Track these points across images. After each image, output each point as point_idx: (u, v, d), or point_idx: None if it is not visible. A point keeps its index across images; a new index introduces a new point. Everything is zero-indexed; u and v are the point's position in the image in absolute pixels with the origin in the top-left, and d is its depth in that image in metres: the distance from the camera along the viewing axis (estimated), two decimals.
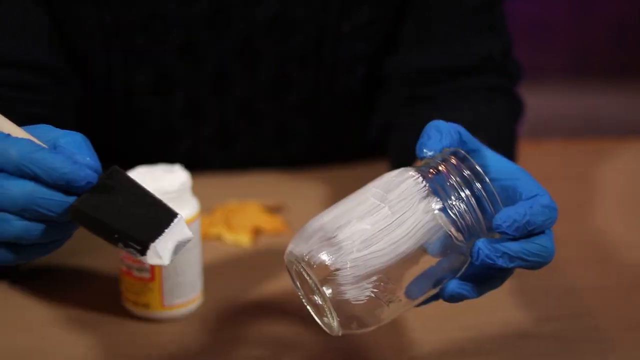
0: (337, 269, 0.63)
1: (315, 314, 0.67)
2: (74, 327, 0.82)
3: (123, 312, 0.84)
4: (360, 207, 0.64)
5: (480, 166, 0.65)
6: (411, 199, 0.64)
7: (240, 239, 0.95)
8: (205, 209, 0.96)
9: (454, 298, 0.67)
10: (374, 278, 0.63)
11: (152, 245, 0.64)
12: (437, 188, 0.64)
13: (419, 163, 0.67)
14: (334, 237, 0.63)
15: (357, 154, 1.14)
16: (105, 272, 0.89)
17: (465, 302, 0.86)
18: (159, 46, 1.00)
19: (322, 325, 0.66)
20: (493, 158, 0.69)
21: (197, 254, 0.83)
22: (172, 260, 0.64)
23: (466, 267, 0.66)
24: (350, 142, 1.14)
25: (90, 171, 0.62)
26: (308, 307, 0.67)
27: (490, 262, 0.65)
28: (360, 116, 1.10)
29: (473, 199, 0.64)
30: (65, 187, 0.61)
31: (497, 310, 0.85)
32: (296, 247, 0.64)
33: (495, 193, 0.65)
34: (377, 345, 0.80)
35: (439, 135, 0.66)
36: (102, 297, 0.86)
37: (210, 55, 1.01)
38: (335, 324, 0.65)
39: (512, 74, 1.04)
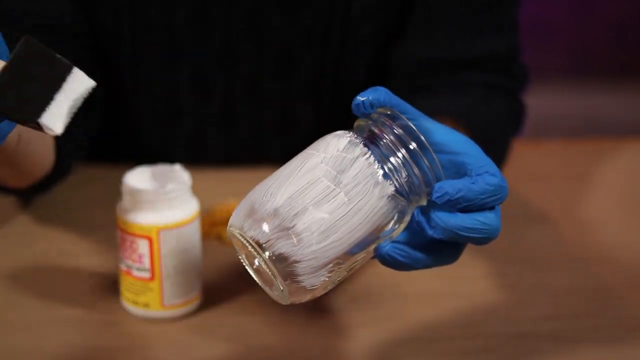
0: (297, 262, 0.63)
1: (259, 280, 0.67)
2: (74, 327, 0.82)
3: (123, 312, 0.84)
4: (314, 189, 0.63)
5: (411, 125, 0.64)
6: (365, 183, 0.63)
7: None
8: (205, 209, 0.96)
9: (386, 261, 0.66)
10: (330, 265, 0.64)
11: (40, 121, 0.63)
12: (379, 153, 0.64)
13: (357, 122, 0.67)
14: (292, 226, 0.63)
15: None
16: (104, 272, 0.89)
17: (465, 301, 0.87)
18: (168, 15, 1.00)
19: (268, 292, 0.66)
20: (440, 131, 0.67)
21: (197, 254, 0.83)
22: (65, 125, 0.63)
23: (401, 227, 0.65)
24: None
25: None
26: (250, 272, 0.67)
27: (426, 230, 0.65)
28: None
29: (410, 159, 0.64)
30: None
31: (496, 309, 0.85)
32: (250, 228, 0.63)
33: (431, 151, 0.64)
34: (375, 343, 0.80)
35: (374, 90, 0.66)
36: (102, 297, 0.86)
37: (218, 28, 1.02)
38: (285, 298, 0.65)
39: (517, 77, 1.04)
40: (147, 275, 0.81)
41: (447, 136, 0.67)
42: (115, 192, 0.82)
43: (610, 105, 2.53)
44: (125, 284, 0.83)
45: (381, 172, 0.64)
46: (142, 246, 0.80)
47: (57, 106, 0.63)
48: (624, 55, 2.60)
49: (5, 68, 0.63)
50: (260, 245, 0.63)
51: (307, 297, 0.65)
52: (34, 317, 0.84)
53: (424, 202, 0.66)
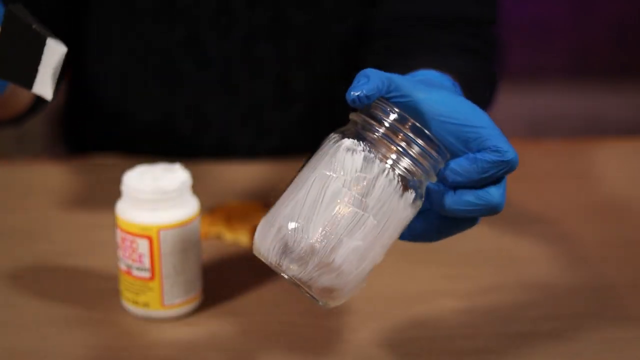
0: (340, 289, 0.65)
1: (290, 282, 0.67)
2: (74, 327, 0.82)
3: (123, 312, 0.84)
4: (343, 219, 0.64)
5: (398, 110, 0.65)
6: (390, 202, 0.65)
7: (240, 238, 0.95)
8: (205, 209, 0.96)
9: (414, 239, 0.69)
10: (366, 277, 0.66)
11: (32, 92, 0.69)
12: (394, 163, 0.65)
13: (352, 116, 0.67)
14: (331, 262, 0.64)
15: None
16: (104, 271, 0.89)
17: (464, 300, 0.87)
18: None
19: (309, 296, 0.67)
20: (440, 102, 0.67)
21: (197, 253, 0.83)
22: (53, 89, 0.69)
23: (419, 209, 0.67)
24: (345, 112, 1.15)
25: None
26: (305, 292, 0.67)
27: (430, 206, 0.67)
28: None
29: (421, 158, 0.65)
30: None
31: (496, 309, 0.85)
32: (288, 267, 0.65)
33: (423, 129, 0.65)
34: (375, 343, 0.80)
35: (366, 79, 0.65)
36: (102, 296, 0.86)
37: None
38: (322, 305, 0.67)
39: (491, 44, 1.04)
40: (147, 275, 0.81)
41: (450, 106, 0.67)
42: (115, 191, 0.82)
43: (610, 105, 2.53)
44: (125, 284, 0.83)
45: (401, 185, 0.65)
46: (142, 246, 0.80)
47: (42, 75, 0.69)
48: (624, 55, 2.60)
49: None
50: (302, 282, 0.65)
51: (344, 300, 0.67)
52: (34, 317, 0.84)
53: (433, 180, 0.67)
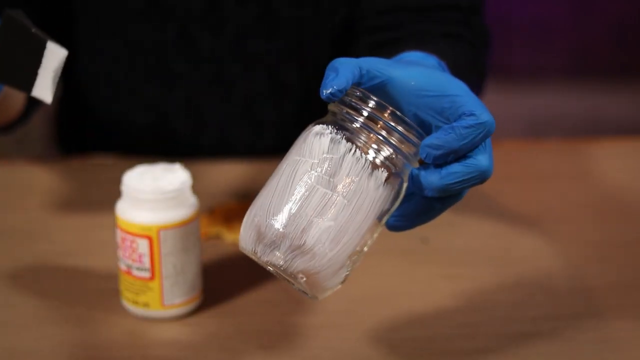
0: (316, 273, 0.65)
1: (281, 277, 0.67)
2: (74, 327, 0.82)
3: (123, 312, 0.84)
4: (312, 200, 0.64)
5: (376, 99, 0.65)
6: (359, 180, 0.65)
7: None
8: (205, 209, 0.96)
9: (395, 230, 0.68)
10: (348, 262, 0.66)
11: (32, 95, 0.71)
12: (362, 143, 0.65)
13: (330, 107, 0.67)
14: (302, 244, 0.64)
15: None
16: (104, 271, 0.89)
17: (464, 300, 0.87)
18: None
19: (298, 289, 0.67)
20: (415, 78, 0.67)
21: (196, 253, 0.83)
22: (52, 93, 0.71)
23: (404, 194, 0.67)
24: None
25: None
26: (270, 270, 0.67)
27: (417, 191, 0.66)
28: None
29: (391, 137, 0.65)
30: None
31: (496, 309, 0.85)
32: (263, 253, 0.65)
33: (403, 116, 0.65)
34: (375, 342, 0.80)
35: (335, 73, 0.65)
36: (102, 296, 0.86)
37: None
38: (312, 298, 0.67)
39: (479, 32, 1.04)
40: (147, 274, 0.81)
41: (424, 79, 0.66)
42: (115, 191, 0.82)
43: (610, 105, 2.52)
44: (125, 284, 0.83)
45: (369, 163, 0.65)
46: (142, 246, 0.80)
47: (42, 79, 0.70)
48: (624, 55, 2.59)
49: None
50: (278, 268, 0.65)
51: (332, 292, 0.67)
52: (34, 317, 0.84)
53: (416, 165, 0.67)
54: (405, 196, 0.67)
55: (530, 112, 2.49)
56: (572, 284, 0.90)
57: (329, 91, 0.65)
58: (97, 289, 0.87)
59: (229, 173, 1.08)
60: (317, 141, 0.65)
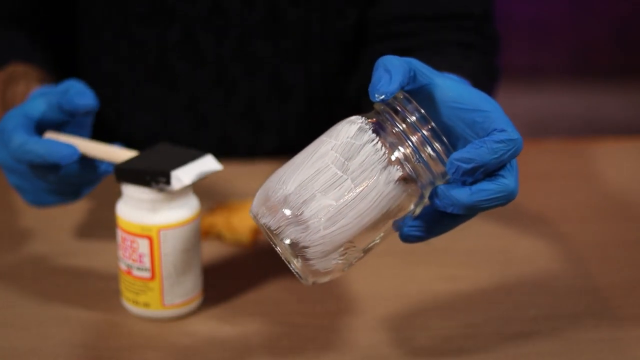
0: (306, 247, 0.65)
1: (285, 258, 0.68)
2: (74, 327, 0.82)
3: (123, 312, 0.84)
4: (322, 177, 0.65)
5: (423, 112, 0.65)
6: (372, 169, 0.65)
7: (240, 238, 0.95)
8: (206, 208, 0.96)
9: (409, 239, 0.69)
10: (341, 249, 0.66)
11: (173, 173, 0.77)
12: (389, 139, 0.66)
13: (376, 105, 0.67)
14: (300, 214, 0.65)
15: None
16: (104, 271, 0.89)
17: (464, 300, 0.87)
18: None
19: (293, 270, 0.68)
20: (453, 89, 0.67)
21: (197, 253, 0.83)
22: (193, 181, 0.78)
23: (420, 208, 0.68)
24: (342, 109, 1.15)
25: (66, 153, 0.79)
26: (277, 249, 0.68)
27: (443, 209, 0.66)
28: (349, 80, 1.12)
29: (422, 147, 0.65)
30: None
31: (495, 308, 0.86)
32: (263, 216, 0.66)
33: (441, 135, 0.65)
34: (375, 342, 0.80)
35: (388, 76, 0.65)
36: (102, 296, 0.86)
37: None
38: (303, 280, 0.68)
39: (490, 38, 1.04)
40: (147, 274, 0.81)
41: (462, 91, 0.67)
42: (115, 191, 0.82)
43: (610, 105, 2.53)
44: (126, 284, 0.83)
45: (387, 158, 0.65)
46: (143, 246, 0.80)
47: (186, 170, 0.78)
48: (624, 55, 2.60)
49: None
50: (271, 232, 0.66)
51: (324, 279, 0.68)
52: (34, 317, 0.84)
53: (441, 182, 0.67)
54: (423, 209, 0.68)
55: (530, 112, 2.49)
56: (572, 284, 0.90)
57: (381, 97, 0.65)
58: (97, 289, 0.87)
59: (229, 173, 1.08)
60: (347, 127, 0.66)
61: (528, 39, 2.53)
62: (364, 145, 0.65)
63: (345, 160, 0.65)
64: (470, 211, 0.66)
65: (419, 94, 0.67)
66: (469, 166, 0.64)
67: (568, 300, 0.87)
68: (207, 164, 0.80)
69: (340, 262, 0.66)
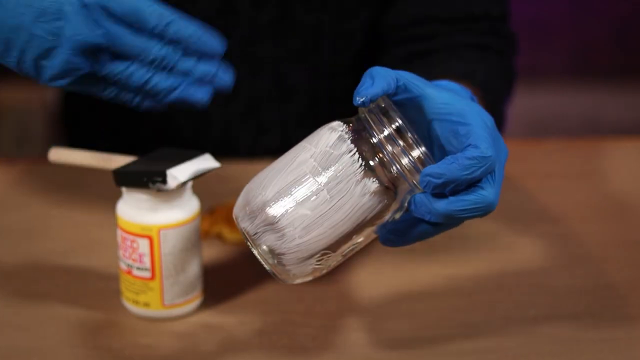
0: (282, 254, 0.67)
1: (261, 260, 0.69)
2: (74, 327, 0.82)
3: (123, 312, 0.84)
4: (299, 185, 0.66)
5: (403, 121, 0.66)
6: (348, 181, 0.66)
7: (240, 238, 0.95)
8: (206, 208, 0.96)
9: (386, 244, 0.70)
10: (317, 256, 0.67)
11: (169, 172, 0.77)
12: (367, 149, 0.67)
13: (359, 110, 0.68)
14: (276, 222, 0.66)
15: None
16: (104, 271, 0.89)
17: (464, 300, 0.87)
18: None
19: (269, 271, 0.70)
20: (442, 99, 0.68)
21: (197, 253, 0.83)
22: (188, 179, 0.77)
23: (400, 215, 0.69)
24: (345, 110, 1.15)
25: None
26: (254, 251, 0.69)
27: (420, 217, 0.67)
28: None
29: (399, 157, 0.66)
30: None
31: (495, 308, 0.85)
32: (242, 220, 0.68)
33: (421, 145, 0.66)
34: (375, 342, 0.80)
35: (371, 81, 0.67)
36: (102, 296, 0.86)
37: None
38: (280, 280, 0.70)
39: (507, 40, 1.04)
40: (147, 274, 0.81)
41: (451, 103, 0.68)
42: (115, 191, 0.82)
43: (610, 105, 2.52)
44: (126, 284, 0.83)
45: (363, 170, 0.66)
46: (143, 246, 0.80)
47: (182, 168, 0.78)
48: (624, 55, 2.59)
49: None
50: (250, 236, 0.68)
51: (300, 281, 0.69)
52: (34, 316, 0.84)
53: (420, 191, 0.67)
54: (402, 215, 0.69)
55: (530, 112, 2.49)
56: (572, 284, 0.90)
57: (362, 99, 0.66)
58: (98, 288, 0.87)
59: (229, 173, 1.08)
60: (327, 134, 0.68)
61: (528, 39, 2.53)
62: (341, 156, 0.66)
63: (323, 169, 0.66)
64: (448, 220, 0.67)
65: (410, 105, 0.68)
66: (440, 181, 0.65)
67: (568, 300, 0.87)
68: (205, 162, 0.80)
69: (317, 266, 0.68)
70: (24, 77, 0.76)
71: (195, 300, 0.84)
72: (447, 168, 0.65)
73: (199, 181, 0.81)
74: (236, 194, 1.03)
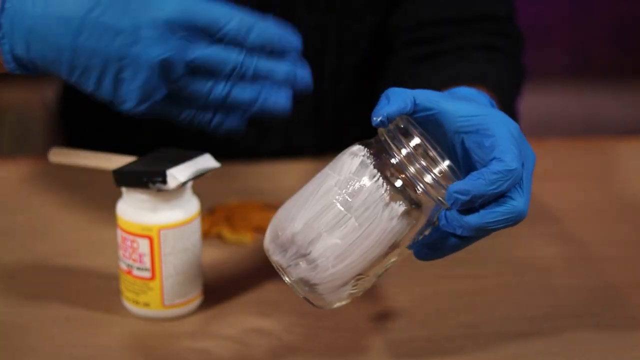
0: (316, 284, 0.68)
1: (295, 290, 0.70)
2: (74, 327, 0.82)
3: (123, 312, 0.84)
4: (326, 215, 0.67)
5: (424, 137, 0.66)
6: (374, 207, 0.66)
7: (241, 238, 0.95)
8: (206, 208, 0.96)
9: (421, 259, 0.71)
10: (352, 282, 0.68)
11: (169, 172, 0.77)
12: (390, 172, 0.67)
13: (379, 130, 0.68)
14: (308, 253, 0.67)
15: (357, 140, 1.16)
16: (104, 271, 0.89)
17: (464, 300, 0.87)
18: None
19: (304, 298, 0.70)
20: (460, 111, 0.68)
21: (197, 253, 0.83)
22: (188, 179, 0.78)
23: (429, 230, 0.69)
24: (351, 114, 1.14)
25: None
26: (286, 280, 0.70)
27: (452, 231, 0.68)
28: (365, 97, 1.12)
29: (423, 175, 0.66)
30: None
31: (496, 308, 0.85)
32: (274, 253, 0.69)
33: (445, 159, 0.66)
34: (375, 342, 0.80)
35: (387, 101, 0.67)
36: (102, 296, 0.86)
37: None
38: (316, 306, 0.70)
39: (515, 39, 1.04)
40: (147, 274, 0.81)
41: (470, 115, 0.68)
42: (115, 191, 0.82)
43: (610, 105, 2.52)
44: (126, 284, 0.83)
45: (389, 194, 0.66)
46: (143, 246, 0.80)
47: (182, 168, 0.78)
48: (624, 55, 2.59)
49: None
50: (283, 269, 0.68)
51: (338, 305, 0.70)
52: (34, 317, 0.84)
53: (446, 206, 0.68)
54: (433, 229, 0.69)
55: (530, 112, 2.49)
56: (572, 284, 0.90)
57: (379, 119, 0.67)
58: (98, 289, 0.87)
59: (230, 173, 1.08)
60: (349, 160, 0.68)
61: (528, 39, 2.53)
62: (365, 182, 0.67)
63: (349, 197, 0.67)
64: (480, 233, 0.68)
65: (430, 122, 0.68)
66: (467, 198, 0.65)
67: (568, 300, 0.87)
68: (205, 162, 0.80)
69: (353, 291, 0.69)
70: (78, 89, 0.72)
71: (195, 300, 0.84)
72: (473, 184, 0.65)
73: (199, 181, 0.81)
74: (236, 194, 1.03)
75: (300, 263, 0.67)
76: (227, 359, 0.79)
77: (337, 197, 0.67)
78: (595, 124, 2.47)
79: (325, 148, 1.12)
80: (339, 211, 0.67)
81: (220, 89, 0.69)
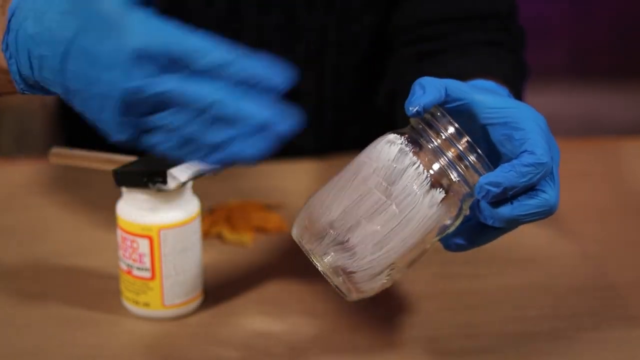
0: (353, 272, 0.67)
1: (327, 276, 0.69)
2: (74, 327, 0.82)
3: (123, 312, 0.84)
4: (365, 202, 0.66)
5: (458, 126, 0.67)
6: (415, 194, 0.66)
7: (241, 238, 0.95)
8: (206, 208, 0.96)
9: (452, 249, 0.71)
10: (385, 272, 0.67)
11: (169, 172, 0.77)
12: (428, 159, 0.67)
13: (411, 120, 0.69)
14: (346, 240, 0.66)
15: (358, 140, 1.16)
16: (104, 271, 0.89)
17: (464, 300, 0.87)
18: None
19: (335, 287, 0.69)
20: (490, 103, 0.69)
21: (197, 253, 0.83)
22: (188, 179, 0.78)
23: (460, 220, 0.69)
24: (355, 117, 1.14)
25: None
26: (319, 267, 0.69)
27: (484, 221, 0.68)
28: (365, 97, 1.12)
29: (459, 162, 0.67)
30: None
31: (496, 308, 0.85)
32: (308, 241, 0.68)
33: (478, 149, 0.66)
34: (375, 342, 0.80)
35: (422, 91, 0.67)
36: (102, 296, 0.86)
37: None
38: (347, 297, 0.69)
39: (517, 36, 1.04)
40: (147, 274, 0.81)
41: (500, 107, 0.68)
42: (115, 191, 0.82)
43: (610, 105, 2.53)
44: (126, 284, 0.83)
45: (429, 181, 0.66)
46: (143, 246, 0.80)
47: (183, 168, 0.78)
48: (624, 55, 2.60)
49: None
50: (318, 257, 0.68)
51: (368, 295, 0.69)
52: (35, 317, 0.84)
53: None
54: (464, 221, 0.69)
55: None
56: (572, 284, 0.90)
57: (415, 109, 0.66)
58: (98, 289, 0.87)
59: (229, 173, 1.08)
60: (387, 148, 0.67)
61: (528, 39, 2.53)
62: (406, 169, 0.66)
63: (388, 184, 0.66)
64: (511, 225, 0.68)
65: (459, 113, 0.68)
66: (498, 190, 0.66)
67: (568, 300, 0.87)
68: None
69: (385, 280, 0.68)
70: None
71: (195, 300, 0.84)
72: (504, 176, 0.66)
73: (199, 181, 0.81)
74: (236, 194, 1.03)
75: (338, 250, 0.67)
76: (227, 358, 0.79)
77: (375, 184, 0.66)
78: (595, 124, 2.47)
79: (326, 148, 1.12)
80: (378, 198, 0.66)
81: (186, 126, 0.62)
